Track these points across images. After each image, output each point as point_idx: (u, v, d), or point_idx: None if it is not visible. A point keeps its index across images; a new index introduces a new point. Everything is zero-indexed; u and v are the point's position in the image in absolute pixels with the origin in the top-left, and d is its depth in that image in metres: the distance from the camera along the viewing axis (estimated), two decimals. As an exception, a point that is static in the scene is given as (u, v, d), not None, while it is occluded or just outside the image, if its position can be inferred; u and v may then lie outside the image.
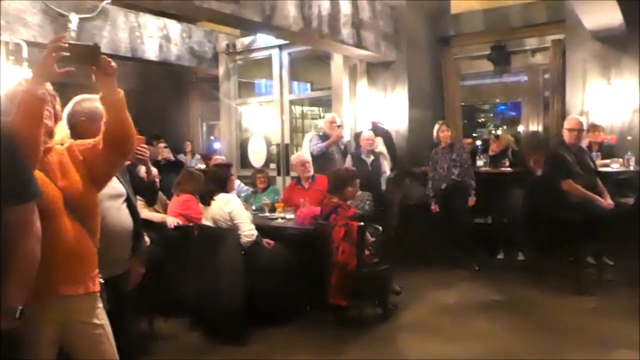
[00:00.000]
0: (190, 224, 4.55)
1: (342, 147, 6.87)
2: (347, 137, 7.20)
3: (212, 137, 11.38)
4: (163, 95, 9.97)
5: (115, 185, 2.49)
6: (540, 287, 5.28)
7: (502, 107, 13.67)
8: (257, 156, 8.27)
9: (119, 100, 1.96)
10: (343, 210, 4.47)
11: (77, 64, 1.86)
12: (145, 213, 4.28)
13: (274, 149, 8.12)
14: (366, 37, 6.73)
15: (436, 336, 4.24)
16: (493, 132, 12.12)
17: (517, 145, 7.60)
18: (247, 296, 4.08)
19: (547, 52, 7.67)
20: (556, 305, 4.83)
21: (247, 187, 6.61)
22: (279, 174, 7.80)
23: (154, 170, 3.27)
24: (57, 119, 2.10)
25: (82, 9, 6.56)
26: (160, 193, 4.32)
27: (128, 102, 1.99)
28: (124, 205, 2.55)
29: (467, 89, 10.00)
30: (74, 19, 6.36)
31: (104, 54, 1.90)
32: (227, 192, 4.56)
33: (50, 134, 2.03)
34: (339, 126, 6.74)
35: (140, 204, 3.30)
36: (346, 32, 6.36)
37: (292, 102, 8.09)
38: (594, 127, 6.24)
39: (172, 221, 4.52)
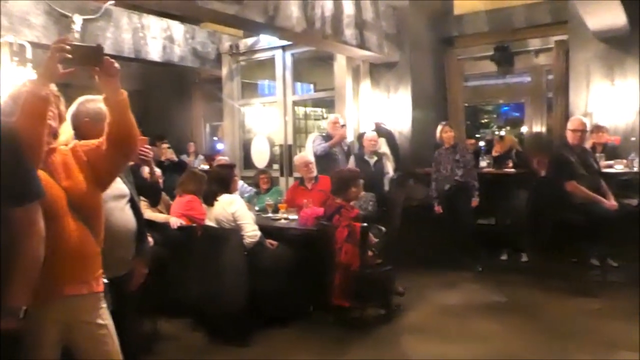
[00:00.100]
0: (194, 225, 4.56)
1: (345, 147, 6.87)
2: (350, 137, 7.19)
3: (215, 138, 11.39)
4: (166, 96, 9.98)
5: (119, 186, 2.50)
6: (544, 289, 5.26)
7: (505, 108, 13.64)
8: (260, 157, 8.28)
9: (122, 101, 1.96)
10: (346, 211, 4.47)
11: (81, 65, 1.86)
12: (149, 213, 4.29)
13: (277, 149, 8.13)
14: (369, 38, 6.73)
15: (439, 337, 4.23)
16: (497, 133, 12.12)
17: (521, 146, 7.58)
18: (250, 297, 4.08)
19: (551, 53, 7.66)
20: (560, 307, 4.81)
21: (250, 187, 6.61)
22: (282, 174, 7.80)
23: (158, 171, 3.29)
24: (61, 119, 2.11)
25: (86, 10, 6.58)
26: (163, 193, 4.33)
27: (131, 102, 1.99)
28: (128, 206, 2.56)
29: (470, 89, 9.99)
30: (77, 20, 6.38)
31: (108, 54, 1.91)
32: (230, 192, 4.57)
33: (54, 135, 2.04)
34: (342, 126, 6.74)
35: (143, 204, 3.30)
36: (349, 33, 6.36)
37: (295, 103, 8.09)
38: (597, 128, 6.23)
39: (175, 222, 4.53)
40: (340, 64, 7.41)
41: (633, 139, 6.40)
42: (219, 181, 4.59)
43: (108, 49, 6.65)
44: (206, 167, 7.73)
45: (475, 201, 6.02)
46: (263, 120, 8.62)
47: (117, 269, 2.40)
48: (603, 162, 5.85)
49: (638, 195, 5.54)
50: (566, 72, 7.11)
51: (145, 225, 2.71)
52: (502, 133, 8.94)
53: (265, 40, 7.85)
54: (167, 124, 9.35)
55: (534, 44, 8.09)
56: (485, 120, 14.14)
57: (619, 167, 5.88)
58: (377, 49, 6.93)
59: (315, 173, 5.79)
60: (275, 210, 5.54)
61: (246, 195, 6.19)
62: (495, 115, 14.15)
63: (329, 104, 8.39)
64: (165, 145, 6.81)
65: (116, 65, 1.92)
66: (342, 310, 4.42)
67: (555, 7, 7.05)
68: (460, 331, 4.34)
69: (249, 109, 8.76)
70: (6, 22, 5.77)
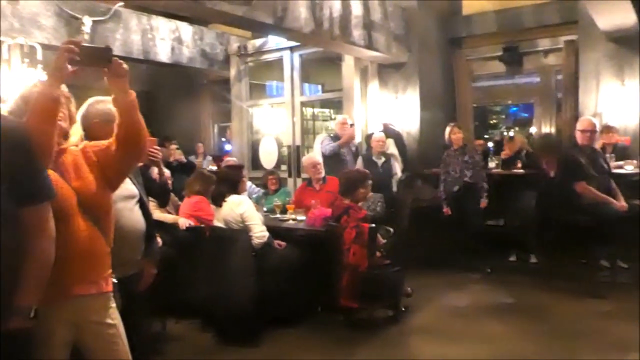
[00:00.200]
0: (202, 225, 4.57)
1: (353, 148, 6.87)
2: (358, 138, 7.19)
3: (223, 139, 11.41)
4: (175, 97, 10.02)
5: (128, 187, 2.51)
6: (553, 290, 5.24)
7: (514, 108, 13.60)
8: (268, 158, 8.29)
9: (131, 101, 1.97)
10: (354, 211, 4.47)
11: (89, 66, 1.87)
12: (158, 214, 4.31)
13: (285, 150, 8.14)
14: (377, 38, 6.72)
15: (447, 339, 4.21)
16: (505, 133, 12.07)
17: (529, 147, 7.54)
18: (258, 297, 4.09)
19: (560, 53, 7.61)
20: (569, 309, 4.78)
21: (258, 188, 6.62)
22: (290, 175, 7.82)
23: (166, 172, 3.29)
24: (72, 121, 2.12)
25: (96, 12, 6.63)
26: (172, 194, 4.34)
27: (140, 103, 2.00)
28: (137, 207, 2.57)
29: (479, 90, 9.97)
30: (87, 21, 6.43)
31: (117, 56, 1.92)
32: (238, 193, 4.58)
33: (65, 136, 2.05)
34: (351, 125, 6.74)
35: (152, 205, 3.32)
36: (357, 33, 6.36)
37: (303, 104, 8.10)
38: (607, 129, 6.18)
39: (184, 222, 4.54)
40: (348, 64, 7.42)
41: (643, 139, 6.35)
42: (228, 182, 4.60)
43: (117, 50, 6.69)
44: (214, 168, 7.75)
45: (484, 202, 6.00)
46: (271, 121, 8.63)
47: (126, 269, 2.41)
48: (613, 163, 5.80)
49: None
50: (576, 72, 7.07)
51: (154, 225, 2.73)
52: (511, 134, 8.90)
53: (274, 41, 7.86)
54: (175, 125, 9.38)
55: (543, 44, 8.04)
56: (494, 121, 14.10)
57: (629, 167, 5.83)
58: (385, 50, 6.92)
59: (323, 174, 5.79)
60: (284, 211, 5.54)
61: (254, 196, 6.20)
62: (504, 116, 14.11)
63: (337, 105, 8.39)
64: (173, 146, 6.82)
65: (125, 66, 1.93)
66: (350, 311, 4.41)
67: (565, 7, 7.01)
68: (468, 332, 4.33)
69: (257, 110, 8.78)
70: (17, 24, 5.82)
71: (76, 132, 2.32)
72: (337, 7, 6.03)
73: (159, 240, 3.27)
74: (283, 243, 4.61)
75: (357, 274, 4.27)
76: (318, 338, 4.29)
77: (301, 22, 5.56)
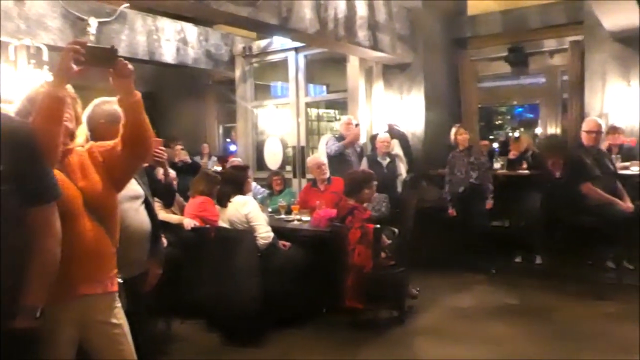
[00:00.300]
0: (207, 226, 4.58)
1: (358, 149, 6.86)
2: (363, 139, 7.19)
3: (228, 140, 11.44)
4: (180, 97, 10.04)
5: (134, 187, 2.52)
6: (558, 291, 5.22)
7: (520, 109, 13.59)
8: (273, 158, 8.30)
9: (136, 102, 1.97)
10: (359, 212, 4.46)
11: (94, 66, 1.87)
12: (163, 215, 4.31)
13: (290, 151, 8.15)
14: (382, 39, 6.72)
15: (452, 340, 4.21)
16: (510, 134, 12.04)
17: (535, 147, 7.52)
18: (263, 298, 4.09)
19: (566, 53, 7.60)
20: (574, 310, 4.77)
21: (263, 189, 6.63)
22: (294, 176, 7.82)
23: (172, 173, 3.30)
24: (78, 121, 2.13)
25: (101, 13, 6.65)
26: (177, 195, 4.35)
27: (145, 104, 2.01)
28: (142, 207, 2.58)
29: (484, 90, 9.95)
30: (93, 22, 6.45)
31: (122, 57, 1.92)
32: (243, 194, 4.59)
33: (71, 136, 2.05)
34: (356, 125, 6.74)
35: (157, 205, 3.32)
36: (362, 34, 6.35)
37: (308, 105, 8.11)
38: (613, 130, 6.16)
39: (189, 223, 4.55)
40: (353, 65, 7.41)
41: (649, 140, 6.32)
42: (233, 183, 4.61)
43: (123, 51, 6.71)
44: (219, 168, 7.76)
45: (489, 203, 5.99)
46: (276, 122, 8.64)
47: (132, 269, 2.42)
48: (619, 164, 5.78)
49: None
50: (581, 72, 7.04)
51: (159, 226, 2.73)
52: (517, 134, 8.89)
53: (278, 42, 7.87)
54: (180, 125, 9.40)
55: (549, 44, 8.02)
56: (499, 122, 14.08)
57: (635, 168, 5.80)
58: (390, 50, 6.91)
59: (328, 174, 5.79)
60: (288, 211, 5.55)
61: (259, 196, 6.21)
62: (509, 117, 14.09)
63: (341, 106, 8.39)
64: (178, 147, 6.85)
65: (130, 66, 1.93)
66: (355, 312, 4.41)
67: (571, 7, 6.99)
68: (473, 334, 4.32)
69: (262, 111, 8.79)
70: (23, 25, 5.85)
71: (82, 133, 2.33)
72: (342, 7, 6.03)
73: (164, 240, 3.28)
74: (288, 244, 4.61)
75: (362, 274, 4.27)
76: (323, 338, 4.29)
77: (306, 22, 5.56)
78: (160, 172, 3.31)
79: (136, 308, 2.27)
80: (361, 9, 6.33)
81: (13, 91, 4.82)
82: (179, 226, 4.51)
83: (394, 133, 6.84)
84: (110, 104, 2.40)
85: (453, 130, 6.31)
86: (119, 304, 2.07)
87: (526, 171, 6.36)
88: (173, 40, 7.82)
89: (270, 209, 5.74)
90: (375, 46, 6.62)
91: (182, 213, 4.85)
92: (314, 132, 8.42)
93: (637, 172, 5.76)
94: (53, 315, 1.79)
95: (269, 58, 8.36)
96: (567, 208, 5.19)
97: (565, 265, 5.69)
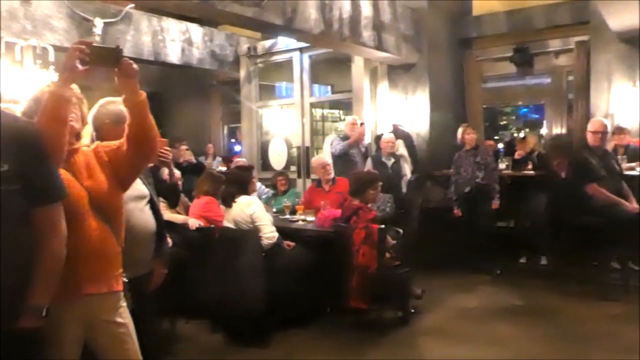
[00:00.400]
0: (212, 226, 4.58)
1: (363, 149, 6.86)
2: (367, 139, 7.18)
3: (233, 140, 11.45)
4: (185, 98, 10.07)
5: (139, 187, 2.53)
6: (563, 292, 5.21)
7: (525, 109, 13.54)
8: (277, 159, 8.31)
9: (141, 102, 1.98)
10: (364, 212, 4.46)
11: (99, 66, 1.88)
12: (168, 215, 4.32)
13: (294, 151, 8.15)
14: (387, 39, 6.71)
15: (456, 340, 4.20)
16: (516, 135, 12.01)
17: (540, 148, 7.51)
18: (268, 298, 4.09)
19: (571, 53, 7.55)
20: (579, 311, 4.75)
21: (267, 189, 6.64)
22: (299, 176, 7.82)
23: (177, 173, 3.31)
24: (84, 121, 2.14)
25: (107, 14, 6.68)
26: (182, 195, 4.36)
27: (150, 105, 2.01)
28: (147, 207, 2.59)
29: (489, 91, 9.92)
30: (98, 23, 6.48)
31: (127, 57, 1.93)
32: (248, 194, 4.59)
33: (77, 136, 2.06)
34: (361, 124, 6.73)
35: (162, 205, 3.34)
36: (367, 34, 6.35)
37: (312, 105, 8.11)
38: (619, 130, 6.14)
39: (193, 223, 4.55)
40: (357, 65, 7.41)
41: (655, 140, 6.29)
42: (237, 183, 4.62)
43: (128, 51, 6.73)
44: (224, 168, 7.77)
45: (496, 203, 5.97)
46: (280, 122, 8.65)
47: (137, 269, 2.43)
48: (624, 164, 5.76)
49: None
50: (587, 73, 7.00)
51: (164, 226, 2.74)
52: (522, 135, 8.87)
53: (283, 42, 7.88)
54: (185, 125, 9.43)
55: (554, 44, 7.98)
56: (504, 122, 14.04)
57: (640, 169, 5.79)
58: (394, 51, 6.91)
59: (332, 175, 5.79)
60: (293, 211, 5.55)
61: (264, 196, 6.22)
62: (514, 117, 14.04)
63: (346, 106, 8.39)
64: (183, 147, 6.85)
65: (135, 66, 1.94)
66: (359, 312, 4.41)
67: (576, 8, 6.96)
68: (478, 334, 4.31)
69: (266, 111, 8.80)
70: (29, 26, 5.88)
71: (87, 133, 2.34)
72: (346, 8, 6.03)
73: (169, 240, 3.28)
74: (292, 244, 4.61)
75: (367, 275, 4.27)
76: (327, 339, 4.30)
77: (311, 23, 5.57)
78: (165, 172, 3.32)
79: (141, 308, 2.28)
80: (366, 9, 6.33)
81: (19, 91, 4.85)
82: (183, 226, 4.52)
83: (398, 133, 6.83)
84: (115, 104, 2.41)
85: (460, 129, 6.29)
86: (124, 304, 2.08)
87: (531, 172, 6.34)
88: (178, 40, 7.84)
89: (274, 209, 5.74)
90: (380, 46, 6.61)
91: (186, 213, 4.86)
92: (319, 132, 8.43)
93: (643, 173, 5.74)
94: (58, 314, 1.80)
95: (274, 58, 8.37)
96: (573, 209, 5.18)
97: (570, 266, 5.67)
